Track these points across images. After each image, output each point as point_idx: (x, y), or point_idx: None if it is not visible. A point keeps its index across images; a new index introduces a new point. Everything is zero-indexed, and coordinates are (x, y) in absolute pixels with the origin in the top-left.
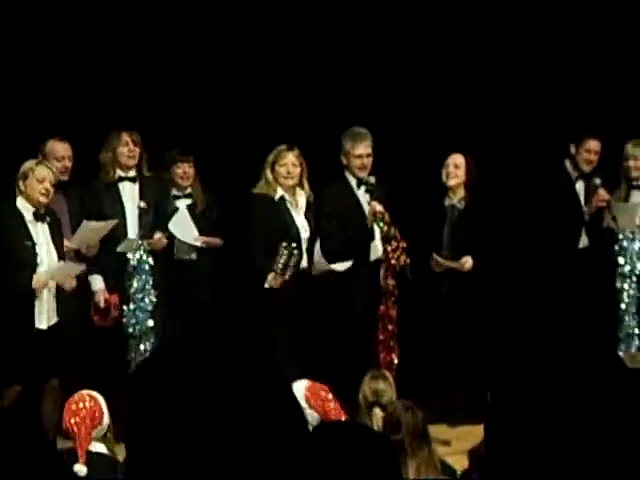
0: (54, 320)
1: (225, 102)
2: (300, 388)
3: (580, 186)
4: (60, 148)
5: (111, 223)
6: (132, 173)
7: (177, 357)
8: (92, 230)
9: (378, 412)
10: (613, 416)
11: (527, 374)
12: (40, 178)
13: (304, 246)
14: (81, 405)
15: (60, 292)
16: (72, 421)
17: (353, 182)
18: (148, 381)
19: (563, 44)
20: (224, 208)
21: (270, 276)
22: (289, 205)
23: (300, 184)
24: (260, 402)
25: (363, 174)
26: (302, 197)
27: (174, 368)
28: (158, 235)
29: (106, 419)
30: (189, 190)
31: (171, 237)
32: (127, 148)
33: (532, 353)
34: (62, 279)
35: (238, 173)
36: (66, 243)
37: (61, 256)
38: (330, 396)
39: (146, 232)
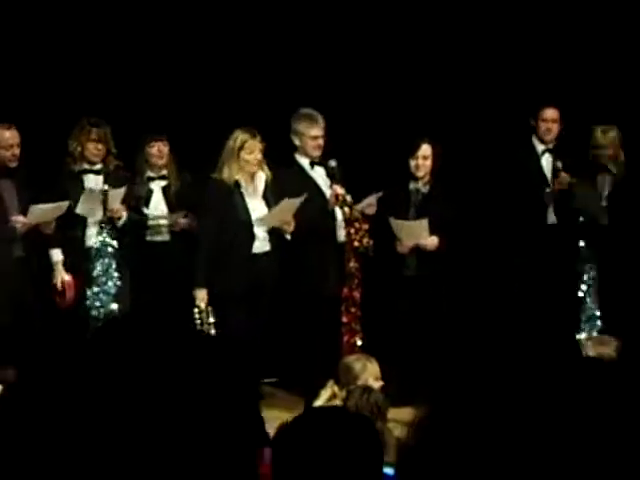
0: None
1: (186, 85)
2: None
3: (547, 160)
4: (8, 136)
5: (63, 205)
6: (98, 166)
7: (116, 338)
8: (43, 211)
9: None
10: (566, 408)
11: (476, 365)
12: None
13: (257, 230)
14: None
15: (18, 278)
16: None
17: (305, 163)
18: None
19: (520, 17)
20: (200, 189)
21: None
22: (243, 190)
23: (261, 167)
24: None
25: (317, 154)
26: (261, 180)
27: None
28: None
29: None
30: (164, 172)
31: (142, 217)
32: (93, 145)
33: (487, 341)
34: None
35: (198, 154)
36: (21, 219)
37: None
38: None
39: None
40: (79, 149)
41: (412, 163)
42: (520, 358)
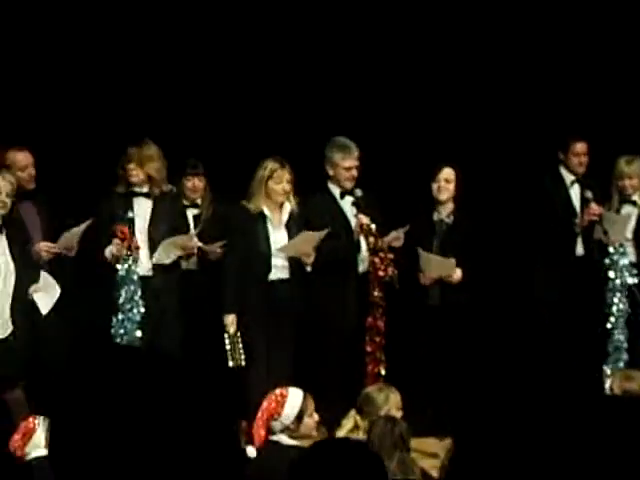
0: (10, 330)
1: (227, 113)
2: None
3: (575, 191)
4: (21, 157)
5: (85, 224)
6: (145, 189)
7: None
8: (72, 236)
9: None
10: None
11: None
12: None
13: (276, 260)
14: None
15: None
16: None
17: (337, 193)
18: None
19: (548, 49)
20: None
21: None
22: (268, 221)
23: (288, 198)
24: None
25: (350, 185)
26: (286, 211)
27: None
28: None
29: None
30: (197, 200)
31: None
32: (129, 168)
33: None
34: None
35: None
36: (44, 246)
37: (17, 265)
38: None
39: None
40: (121, 172)
41: (434, 186)
42: (544, 392)
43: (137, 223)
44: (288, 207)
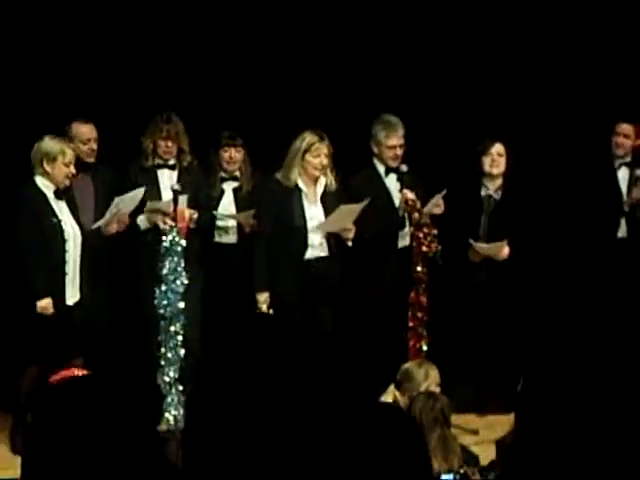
0: (77, 297)
1: (269, 85)
2: None
3: (623, 173)
4: (85, 130)
5: (140, 191)
6: (172, 161)
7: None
8: (123, 202)
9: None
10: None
11: (560, 368)
12: (68, 162)
13: (312, 236)
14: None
15: (84, 271)
16: None
17: (382, 170)
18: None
19: (598, 30)
20: None
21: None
22: (303, 196)
23: (324, 173)
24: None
25: (395, 164)
26: (321, 185)
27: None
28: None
29: None
30: (236, 173)
31: (213, 219)
32: (164, 143)
33: (564, 347)
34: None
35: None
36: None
37: (84, 231)
38: None
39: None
40: (151, 146)
41: (486, 161)
42: (597, 366)
43: (163, 195)
44: (323, 181)
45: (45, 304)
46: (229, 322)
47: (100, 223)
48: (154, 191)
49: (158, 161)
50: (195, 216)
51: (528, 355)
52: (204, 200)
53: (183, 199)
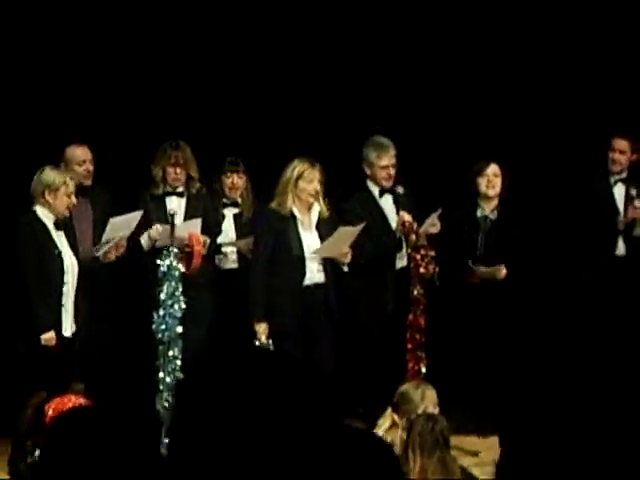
0: (74, 329)
1: (266, 113)
2: None
3: (619, 190)
4: (80, 152)
5: (137, 215)
6: (180, 188)
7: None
8: (119, 224)
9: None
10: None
11: (546, 390)
12: (70, 192)
13: (310, 263)
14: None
15: (80, 301)
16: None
17: (376, 192)
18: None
19: (592, 45)
20: None
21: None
22: (299, 223)
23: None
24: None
25: (389, 184)
26: (315, 212)
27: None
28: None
29: None
30: (238, 199)
31: (219, 246)
32: (173, 170)
33: (558, 369)
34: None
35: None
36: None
37: (79, 261)
38: None
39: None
40: (160, 174)
41: (482, 182)
42: (585, 393)
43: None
44: (317, 208)
45: (49, 337)
46: (213, 349)
47: (100, 253)
48: (163, 219)
49: (166, 189)
50: (208, 242)
51: (516, 373)
52: (213, 226)
53: (197, 223)
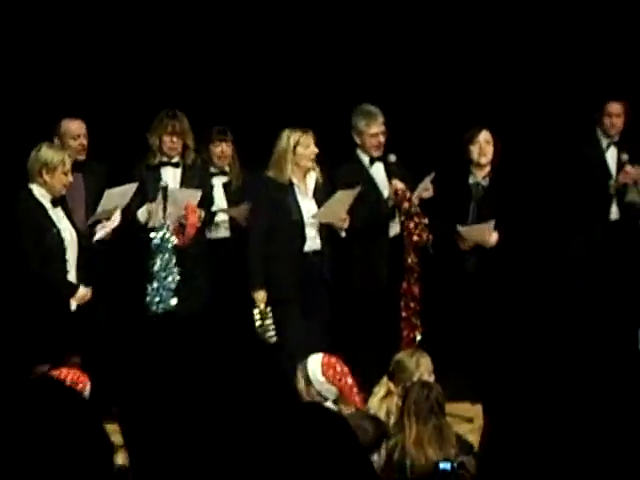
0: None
1: (255, 82)
2: (317, 362)
3: (612, 154)
4: (75, 127)
5: (133, 186)
6: (175, 159)
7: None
8: (115, 195)
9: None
10: (623, 414)
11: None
12: (67, 170)
13: (309, 229)
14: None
15: (81, 273)
16: None
17: (366, 160)
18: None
19: (584, 10)
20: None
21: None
22: (297, 189)
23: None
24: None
25: (378, 152)
26: (312, 179)
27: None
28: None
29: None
30: (226, 168)
31: (212, 216)
32: (170, 138)
33: (549, 337)
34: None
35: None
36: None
37: (79, 234)
38: (345, 369)
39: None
40: (157, 142)
41: (474, 149)
42: (579, 357)
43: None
44: (314, 176)
45: (83, 293)
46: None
47: (99, 237)
48: (158, 190)
49: (162, 159)
50: (203, 214)
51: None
52: (207, 198)
53: (197, 195)
